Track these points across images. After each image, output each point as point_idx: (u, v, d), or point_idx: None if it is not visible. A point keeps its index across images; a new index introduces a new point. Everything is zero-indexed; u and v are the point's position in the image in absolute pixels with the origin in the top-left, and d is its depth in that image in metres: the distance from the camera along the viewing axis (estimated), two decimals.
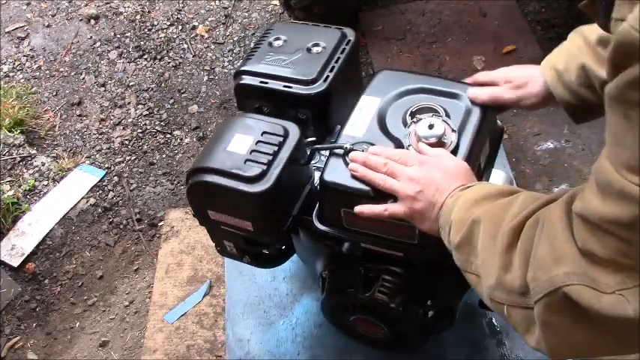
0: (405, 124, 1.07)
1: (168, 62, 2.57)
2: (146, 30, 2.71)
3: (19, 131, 2.32)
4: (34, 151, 2.28)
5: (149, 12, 2.79)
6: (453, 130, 1.02)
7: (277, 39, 1.27)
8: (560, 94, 1.04)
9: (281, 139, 1.09)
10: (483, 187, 0.90)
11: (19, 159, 2.24)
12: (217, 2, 2.78)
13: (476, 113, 1.08)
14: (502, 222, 0.78)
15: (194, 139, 2.30)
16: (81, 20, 2.79)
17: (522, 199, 0.81)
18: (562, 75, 1.03)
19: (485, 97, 1.09)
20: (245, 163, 1.06)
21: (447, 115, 1.06)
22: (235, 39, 2.62)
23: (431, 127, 1.01)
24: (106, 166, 2.25)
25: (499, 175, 1.33)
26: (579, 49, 1.01)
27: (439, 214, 0.90)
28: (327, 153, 1.10)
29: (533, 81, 1.08)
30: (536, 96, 1.07)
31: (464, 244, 0.84)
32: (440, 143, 1.01)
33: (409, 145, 1.03)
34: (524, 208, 0.77)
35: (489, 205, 0.83)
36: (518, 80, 1.09)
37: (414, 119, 1.05)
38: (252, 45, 2.39)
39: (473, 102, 1.09)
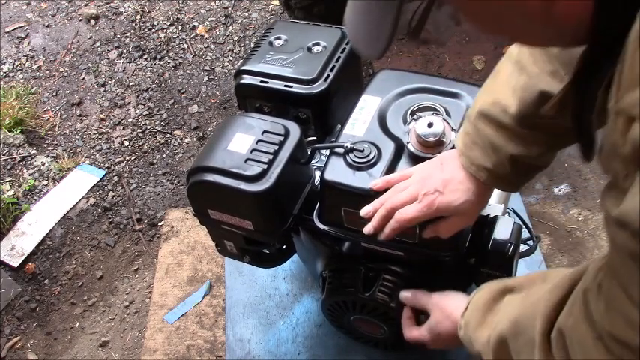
0: (405, 123, 1.07)
1: (168, 62, 2.57)
2: (146, 30, 2.71)
3: (19, 131, 2.32)
4: (34, 151, 2.28)
5: (149, 12, 2.79)
6: (453, 130, 1.02)
7: (278, 38, 1.27)
8: (502, 188, 0.98)
9: (281, 138, 1.09)
10: (473, 303, 0.93)
11: (19, 159, 2.24)
12: (217, 2, 2.78)
13: None
14: (528, 336, 0.75)
15: (194, 139, 2.30)
16: (81, 20, 2.79)
17: (521, 305, 0.80)
18: (497, 172, 0.92)
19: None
20: (245, 162, 1.06)
21: (448, 115, 1.06)
22: (235, 39, 2.62)
23: (430, 125, 1.01)
24: (106, 166, 2.25)
25: None
26: (498, 138, 0.90)
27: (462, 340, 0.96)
28: (327, 152, 1.10)
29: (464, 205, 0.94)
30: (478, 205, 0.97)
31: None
32: (439, 142, 1.01)
33: (408, 142, 1.03)
34: (532, 318, 0.74)
35: (499, 314, 0.85)
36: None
37: (414, 117, 1.05)
38: (252, 44, 2.39)
39: None
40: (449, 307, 1.01)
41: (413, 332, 1.11)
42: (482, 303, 0.89)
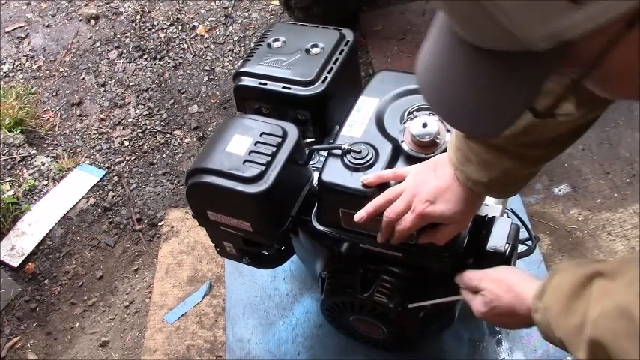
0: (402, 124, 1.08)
1: (168, 62, 2.57)
2: (146, 30, 2.71)
3: (19, 131, 2.33)
4: (34, 151, 2.28)
5: (149, 12, 2.79)
6: (448, 131, 1.02)
7: (276, 40, 1.28)
8: (500, 196, 1.03)
9: (279, 139, 1.09)
10: (555, 286, 0.82)
11: (19, 159, 2.24)
12: (217, 2, 2.78)
13: None
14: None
15: (194, 139, 2.30)
16: (81, 20, 2.79)
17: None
18: (493, 185, 0.93)
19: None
20: (244, 164, 1.06)
21: None
22: (235, 39, 2.62)
23: (425, 125, 1.01)
24: (106, 166, 2.25)
25: None
26: (491, 156, 0.90)
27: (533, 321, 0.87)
28: (325, 153, 1.10)
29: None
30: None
31: None
32: (433, 142, 1.01)
33: (402, 142, 1.03)
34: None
35: (592, 302, 0.74)
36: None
37: (410, 116, 1.06)
38: (251, 45, 2.39)
39: None
40: (507, 280, 0.95)
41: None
42: (567, 287, 0.78)
